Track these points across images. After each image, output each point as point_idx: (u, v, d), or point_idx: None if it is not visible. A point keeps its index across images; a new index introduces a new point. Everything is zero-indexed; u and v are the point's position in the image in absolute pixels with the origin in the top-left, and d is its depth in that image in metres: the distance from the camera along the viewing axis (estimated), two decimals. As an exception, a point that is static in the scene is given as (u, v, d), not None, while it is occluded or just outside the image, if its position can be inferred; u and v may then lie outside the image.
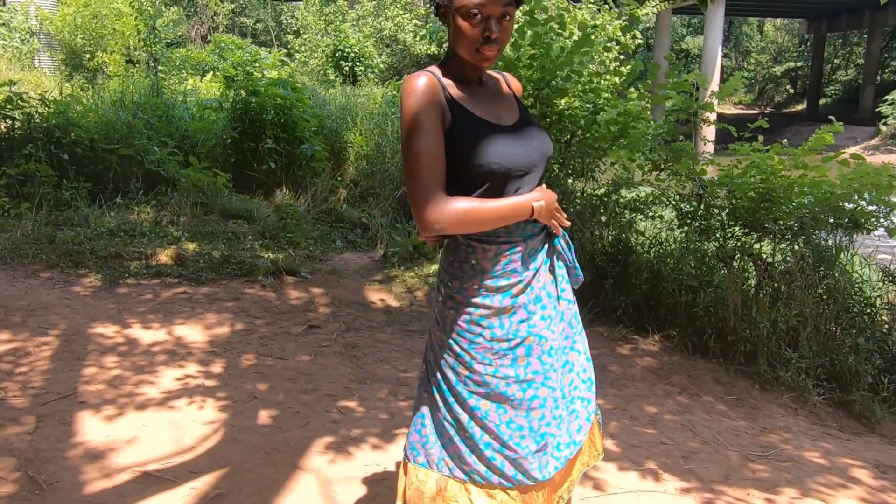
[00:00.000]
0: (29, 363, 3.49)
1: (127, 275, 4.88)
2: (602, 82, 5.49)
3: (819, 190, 4.60)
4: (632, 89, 5.52)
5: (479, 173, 1.63)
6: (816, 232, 4.74)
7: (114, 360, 3.61)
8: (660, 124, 5.29)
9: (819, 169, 4.61)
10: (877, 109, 24.14)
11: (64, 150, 6.46)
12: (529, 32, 5.01)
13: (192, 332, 4.04)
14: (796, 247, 4.68)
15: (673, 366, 4.14)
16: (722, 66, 23.93)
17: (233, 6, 25.05)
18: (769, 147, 4.70)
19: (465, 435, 1.69)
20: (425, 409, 1.77)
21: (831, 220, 4.75)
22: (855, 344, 4.16)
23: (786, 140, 4.90)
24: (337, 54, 17.21)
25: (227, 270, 5.14)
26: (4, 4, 16.58)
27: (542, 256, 1.75)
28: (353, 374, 3.67)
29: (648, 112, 5.43)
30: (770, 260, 4.72)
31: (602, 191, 5.36)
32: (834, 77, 35.48)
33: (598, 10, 10.33)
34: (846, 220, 4.73)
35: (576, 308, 1.86)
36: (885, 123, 23.27)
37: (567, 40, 5.38)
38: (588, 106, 5.37)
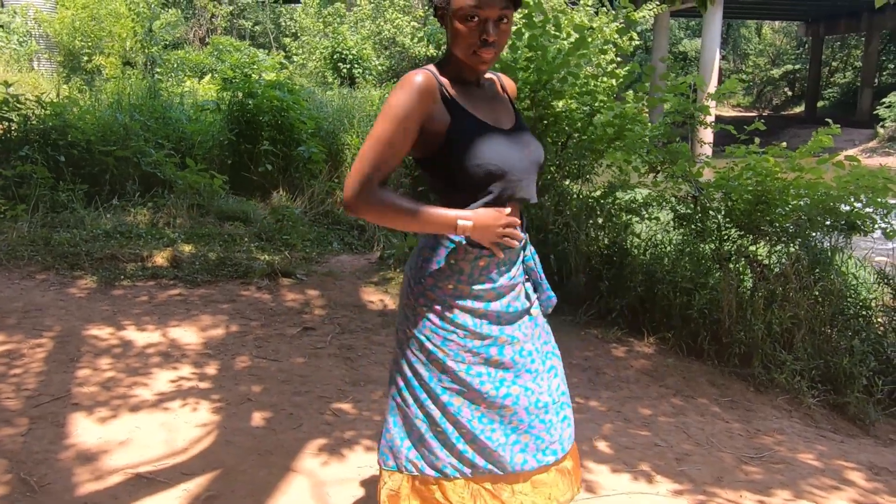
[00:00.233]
0: (23, 365, 3.49)
1: (122, 277, 4.88)
2: (599, 84, 5.50)
3: (815, 192, 4.61)
4: (630, 92, 5.53)
5: (476, 174, 1.63)
6: (812, 234, 4.75)
7: (108, 361, 3.60)
8: (656, 126, 5.30)
9: (815, 171, 4.61)
10: (874, 112, 24.22)
11: (60, 151, 6.46)
12: (527, 34, 5.02)
13: (187, 334, 4.04)
14: (792, 249, 4.69)
15: (668, 368, 4.14)
16: (720, 69, 23.97)
17: (231, 8, 25.06)
18: (766, 149, 4.71)
19: (437, 430, 1.69)
20: (394, 412, 1.77)
21: (827, 223, 4.76)
22: (850, 346, 4.16)
23: (784, 143, 4.91)
24: (335, 56, 17.24)
25: (222, 272, 5.14)
26: (3, 6, 16.58)
27: (517, 270, 1.76)
28: (348, 376, 3.67)
29: (646, 114, 5.44)
30: (766, 262, 4.72)
31: (598, 193, 5.37)
32: (832, 80, 35.56)
33: (596, 12, 10.34)
34: (842, 222, 4.73)
35: (548, 328, 1.86)
36: (882, 126, 23.34)
37: (564, 42, 5.39)
38: (585, 108, 5.38)
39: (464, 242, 1.68)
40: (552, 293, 1.83)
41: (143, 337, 3.95)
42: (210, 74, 14.99)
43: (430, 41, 17.24)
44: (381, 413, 3.27)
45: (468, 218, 1.63)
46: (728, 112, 34.38)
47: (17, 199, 5.96)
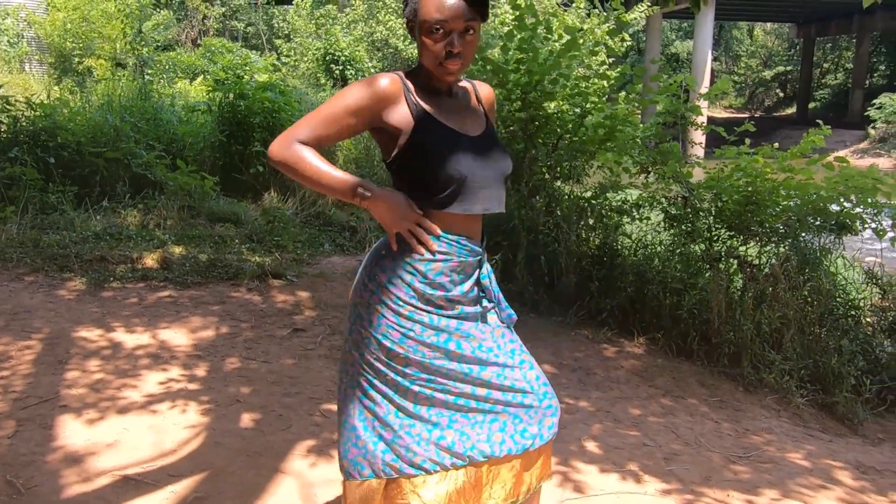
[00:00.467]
0: (11, 367, 3.47)
1: (112, 278, 4.86)
2: (590, 86, 5.51)
3: (805, 193, 4.64)
4: (623, 93, 5.54)
5: (435, 178, 1.67)
6: (802, 234, 4.77)
7: (97, 363, 3.59)
8: (647, 127, 5.32)
9: (806, 172, 4.64)
10: (865, 113, 24.31)
11: (50, 153, 6.43)
12: (518, 36, 5.03)
13: (177, 336, 4.03)
14: (782, 249, 4.71)
15: (657, 368, 4.15)
16: (712, 70, 24.06)
17: (223, 10, 25.01)
18: (756, 150, 4.72)
19: (411, 422, 1.70)
20: (361, 417, 1.76)
21: (817, 223, 4.78)
22: (838, 346, 4.18)
23: (776, 144, 4.93)
24: (328, 58, 17.22)
25: (213, 274, 5.12)
26: (-6, 8, 16.52)
27: (470, 285, 1.77)
28: (337, 378, 3.66)
29: (638, 115, 5.46)
30: (756, 262, 4.74)
31: (589, 194, 5.38)
32: (823, 81, 35.71)
33: (588, 14, 10.38)
34: (832, 222, 4.76)
35: (515, 335, 1.85)
36: (873, 127, 23.44)
37: (555, 44, 5.40)
38: (576, 109, 5.39)
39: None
40: (511, 311, 1.84)
41: (132, 339, 3.94)
42: (202, 76, 14.95)
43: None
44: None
45: (370, 190, 1.66)
46: (720, 113, 34.47)
47: (6, 201, 5.93)
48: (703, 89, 6.24)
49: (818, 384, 4.06)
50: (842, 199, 4.66)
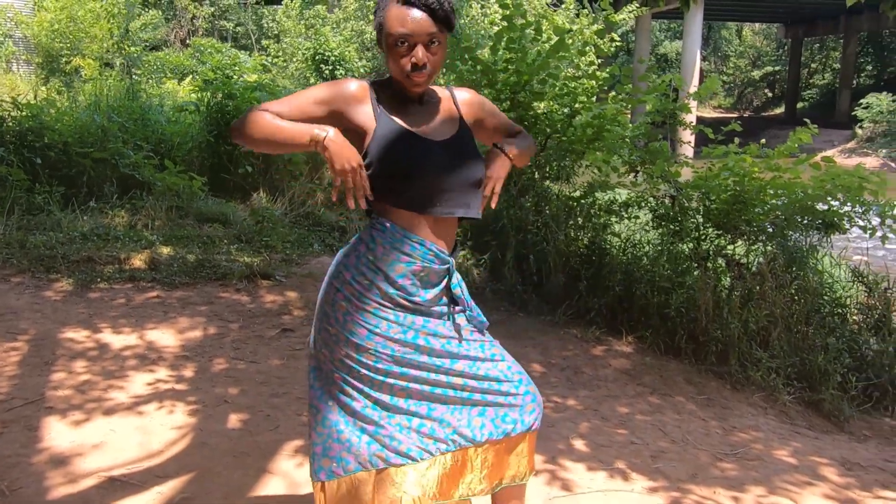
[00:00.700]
0: (-4, 369, 3.45)
1: (99, 279, 4.83)
2: (579, 86, 5.52)
3: (792, 192, 4.66)
4: (613, 93, 5.56)
5: (390, 177, 1.70)
6: (789, 233, 4.80)
7: (83, 364, 3.57)
8: (636, 126, 5.34)
9: (793, 171, 4.67)
10: (853, 113, 24.50)
11: (37, 153, 6.38)
12: (507, 36, 5.04)
13: (164, 337, 4.01)
14: (769, 248, 4.73)
15: (645, 367, 4.16)
16: (701, 70, 24.16)
17: (212, 10, 24.90)
18: (744, 149, 4.75)
19: (390, 413, 1.71)
20: (336, 416, 1.76)
21: (804, 222, 4.82)
22: (825, 343, 4.20)
23: (763, 141, 4.96)
24: (317, 58, 17.18)
25: (201, 274, 5.10)
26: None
27: (436, 294, 1.76)
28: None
29: (627, 115, 5.48)
30: (743, 261, 4.77)
31: (578, 193, 5.40)
32: (811, 81, 35.95)
33: (577, 14, 10.41)
34: (819, 221, 4.79)
35: (489, 335, 1.86)
36: (860, 127, 23.63)
37: (544, 44, 5.41)
38: (565, 109, 5.41)
39: (384, 242, 1.72)
40: (483, 318, 1.84)
41: (119, 339, 3.92)
42: (191, 76, 14.89)
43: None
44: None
45: (325, 130, 1.65)
46: (709, 113, 34.64)
47: (-8, 202, 5.89)
48: (692, 89, 6.28)
49: (805, 382, 4.09)
50: (829, 198, 4.70)
